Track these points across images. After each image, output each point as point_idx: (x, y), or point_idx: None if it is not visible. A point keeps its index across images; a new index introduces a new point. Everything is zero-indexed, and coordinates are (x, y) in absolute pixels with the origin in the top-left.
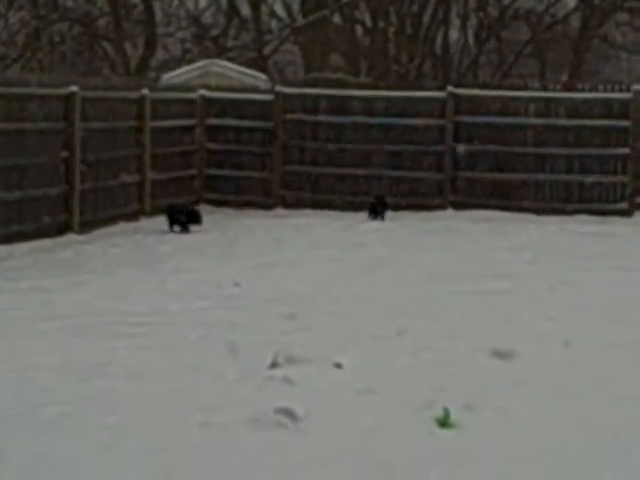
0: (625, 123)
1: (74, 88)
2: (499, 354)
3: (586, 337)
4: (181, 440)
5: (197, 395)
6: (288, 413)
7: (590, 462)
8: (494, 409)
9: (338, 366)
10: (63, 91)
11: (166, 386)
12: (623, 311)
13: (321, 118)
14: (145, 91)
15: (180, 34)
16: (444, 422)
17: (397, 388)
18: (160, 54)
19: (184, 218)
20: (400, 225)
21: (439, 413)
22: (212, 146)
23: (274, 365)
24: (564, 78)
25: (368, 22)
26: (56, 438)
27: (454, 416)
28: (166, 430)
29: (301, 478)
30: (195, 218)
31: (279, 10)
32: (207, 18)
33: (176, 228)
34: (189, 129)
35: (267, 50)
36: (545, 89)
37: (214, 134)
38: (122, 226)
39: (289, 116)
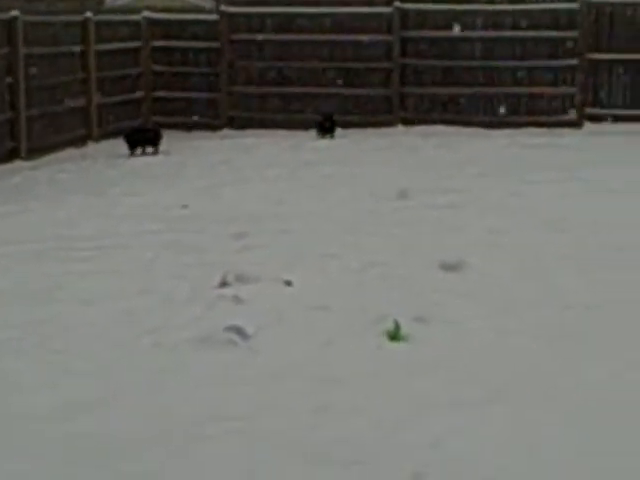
0: (573, 34)
1: (16, 12)
2: (449, 267)
3: (534, 248)
4: (131, 361)
5: (147, 317)
6: (238, 331)
7: (541, 371)
8: (444, 321)
9: (288, 283)
10: (4, 16)
11: (116, 309)
12: (571, 222)
13: (267, 37)
14: (89, 14)
15: None
16: (394, 335)
17: (347, 304)
18: None
19: (144, 139)
20: (349, 142)
21: (389, 327)
22: (158, 68)
23: (223, 284)
24: None
25: None
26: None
27: (404, 329)
28: (116, 352)
29: (252, 395)
30: (156, 139)
31: None
32: None
33: (137, 151)
34: (134, 52)
35: None
36: (492, 2)
37: (160, 56)
38: (70, 152)
39: (235, 36)
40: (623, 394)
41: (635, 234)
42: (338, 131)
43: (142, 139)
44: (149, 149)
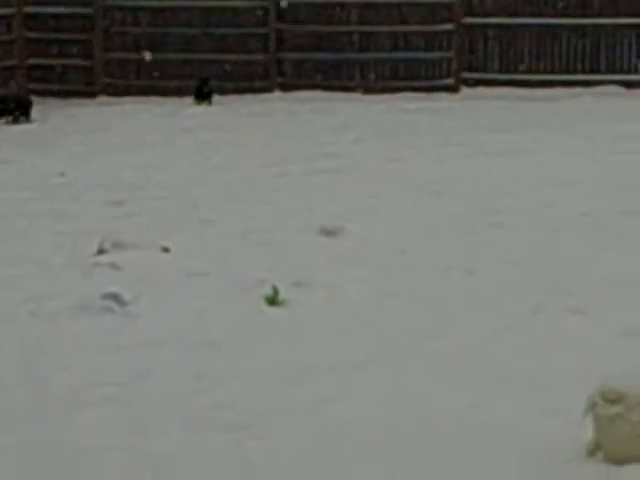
0: None
1: None
2: (327, 232)
3: (412, 213)
4: (9, 330)
5: (24, 285)
6: (116, 298)
7: (419, 333)
8: (322, 286)
9: (166, 250)
10: None
11: None
12: (449, 186)
13: (142, 3)
14: None
15: None
16: (273, 300)
17: (226, 269)
18: None
19: (14, 107)
20: (227, 109)
21: (268, 292)
22: (32, 35)
23: (101, 251)
24: None
25: None
26: None
27: (283, 294)
28: None
29: (130, 361)
30: (26, 107)
31: None
32: None
33: (7, 119)
34: (6, 18)
35: None
36: None
37: (33, 23)
38: None
39: (109, 2)
40: (497, 355)
41: (510, 197)
42: (215, 97)
43: (8, 107)
44: (21, 117)
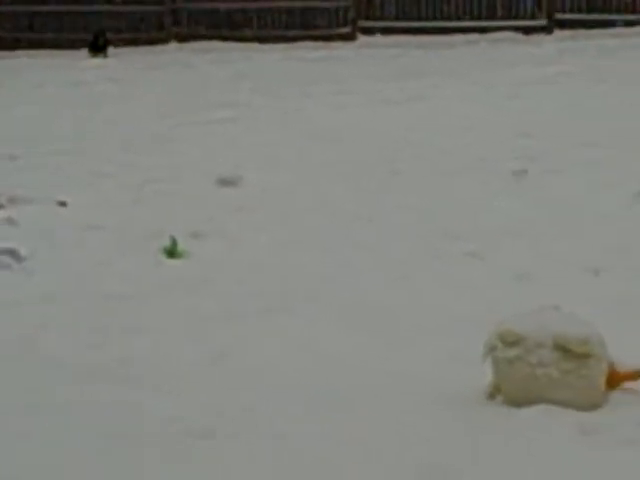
0: None
1: None
2: (225, 182)
3: (310, 160)
4: None
5: None
6: (12, 253)
7: (318, 279)
8: (222, 236)
9: (62, 204)
10: None
11: None
12: (345, 134)
13: None
14: None
15: None
16: (172, 252)
17: (123, 222)
18: None
19: None
20: (122, 61)
21: (166, 243)
22: None
23: None
24: None
25: None
26: None
27: (182, 245)
28: None
29: (28, 316)
30: None
31: None
32: None
33: None
34: None
35: None
36: None
37: None
38: None
39: None
40: (395, 302)
41: (408, 144)
42: (110, 50)
43: None
44: None
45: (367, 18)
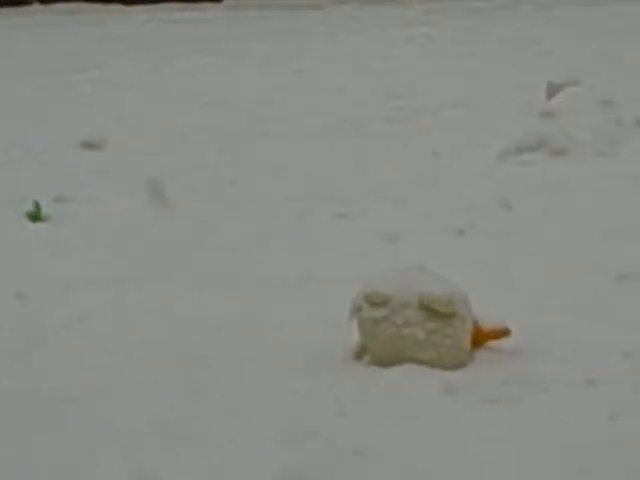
0: None
1: None
2: (89, 144)
3: (178, 124)
4: None
5: None
6: None
7: (181, 244)
8: (85, 200)
9: None
10: None
11: None
12: (210, 96)
13: None
14: None
15: None
16: (35, 216)
17: None
18: None
19: None
20: None
21: (29, 207)
22: None
23: None
24: None
25: None
26: None
27: (45, 209)
28: None
29: None
30: None
31: None
32: None
33: None
34: None
35: None
36: None
37: None
38: None
39: None
40: (265, 260)
41: (275, 105)
42: None
43: None
44: None
45: None
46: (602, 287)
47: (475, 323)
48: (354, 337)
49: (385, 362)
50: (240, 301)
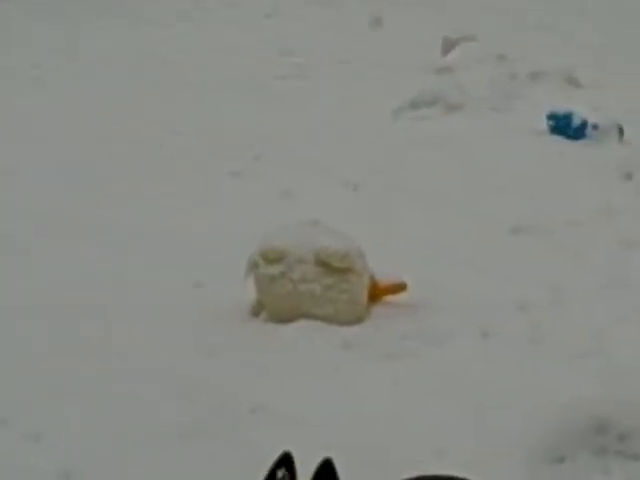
0: None
1: None
2: None
3: (80, 86)
4: None
5: None
6: None
7: (78, 201)
8: None
9: None
10: None
11: None
12: (109, 59)
13: None
14: None
15: None
16: None
17: None
18: None
19: None
20: None
21: None
22: None
23: None
24: None
25: None
26: None
27: None
28: None
29: None
30: None
31: None
32: None
33: None
34: None
35: None
36: None
37: None
38: None
39: None
40: (164, 217)
41: (170, 65)
42: None
43: None
44: None
45: None
46: (497, 241)
47: (372, 278)
48: (251, 294)
49: (282, 318)
50: (138, 256)
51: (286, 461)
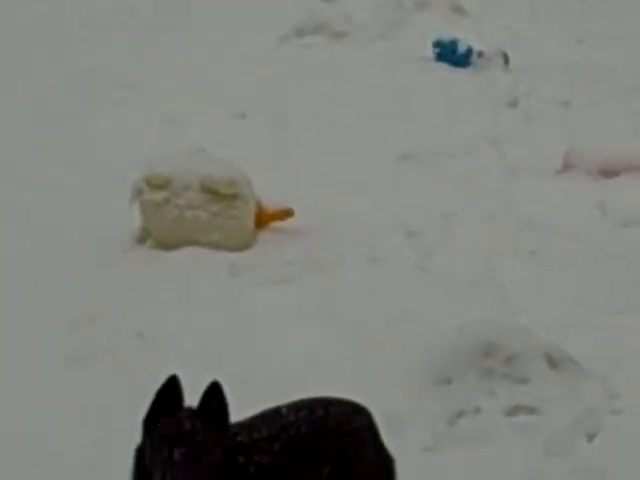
0: None
1: None
2: None
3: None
4: None
5: None
6: None
7: None
8: None
9: None
10: None
11: None
12: None
13: None
14: None
15: None
16: None
17: None
18: None
19: None
20: None
21: None
22: None
23: None
24: None
25: None
26: None
27: None
28: None
29: None
30: None
31: None
32: None
33: None
34: None
35: None
36: None
37: None
38: None
39: None
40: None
41: None
42: None
43: None
44: None
45: None
46: (385, 168)
47: (258, 204)
48: (136, 221)
49: (168, 245)
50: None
51: (173, 384)
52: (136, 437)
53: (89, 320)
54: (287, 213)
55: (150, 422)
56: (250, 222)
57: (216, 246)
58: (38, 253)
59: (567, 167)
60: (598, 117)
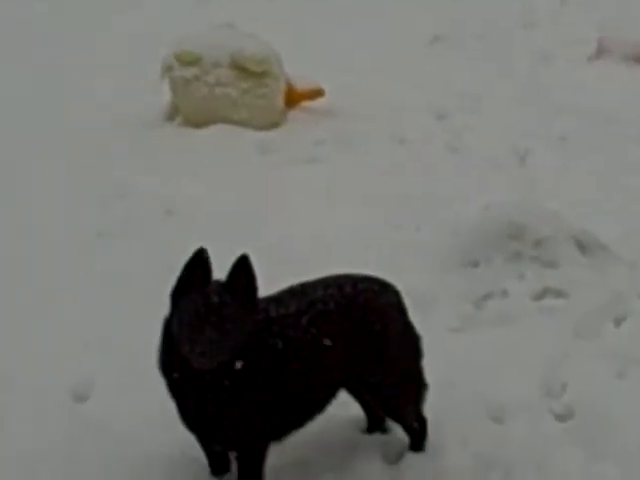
0: None
1: None
2: None
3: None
4: None
5: None
6: None
7: None
8: None
9: None
10: None
11: None
12: None
13: None
14: None
15: None
16: None
17: None
18: None
19: None
20: None
21: None
22: None
23: None
24: None
25: None
26: None
27: None
28: None
29: None
30: None
31: None
32: None
33: None
34: None
35: None
36: None
37: None
38: None
39: None
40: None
41: None
42: None
43: None
44: None
45: None
46: (416, 50)
47: (288, 83)
48: (166, 97)
49: (197, 122)
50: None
51: (201, 257)
52: (164, 310)
53: (119, 196)
54: (317, 92)
55: (178, 295)
56: (280, 101)
57: (245, 124)
58: (69, 131)
59: (601, 53)
60: (635, 3)
